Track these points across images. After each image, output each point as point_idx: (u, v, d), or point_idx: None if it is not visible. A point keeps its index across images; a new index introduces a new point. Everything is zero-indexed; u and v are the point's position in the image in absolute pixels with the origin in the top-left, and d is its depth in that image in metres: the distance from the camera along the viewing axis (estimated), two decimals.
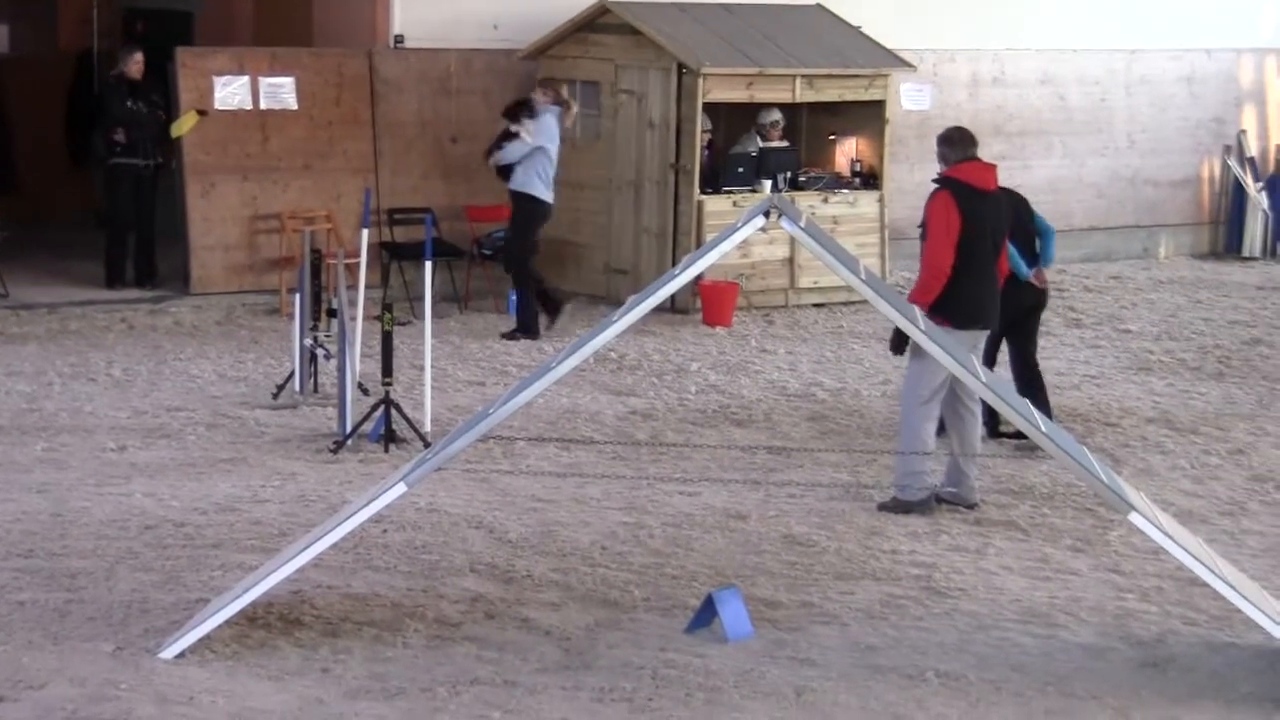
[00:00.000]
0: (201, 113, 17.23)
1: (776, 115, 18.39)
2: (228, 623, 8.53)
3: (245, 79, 17.59)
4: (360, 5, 18.46)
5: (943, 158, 11.53)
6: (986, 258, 11.30)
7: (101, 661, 8.33)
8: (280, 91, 17.68)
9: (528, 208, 16.36)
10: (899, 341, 11.44)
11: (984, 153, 11.84)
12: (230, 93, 17.50)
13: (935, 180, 11.47)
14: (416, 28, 18.30)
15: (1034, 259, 12.67)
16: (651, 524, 10.83)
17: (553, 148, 16.38)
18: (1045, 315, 18.11)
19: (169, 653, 8.38)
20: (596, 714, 7.95)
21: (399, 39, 18.25)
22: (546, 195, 16.38)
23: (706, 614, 8.98)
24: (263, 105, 17.62)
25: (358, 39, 18.41)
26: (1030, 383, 12.71)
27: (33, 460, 11.91)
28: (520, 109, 16.55)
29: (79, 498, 11.03)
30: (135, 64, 17.63)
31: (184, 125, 17.22)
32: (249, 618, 8.78)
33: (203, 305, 17.21)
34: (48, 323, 16.39)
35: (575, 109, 17.07)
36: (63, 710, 7.76)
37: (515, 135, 16.39)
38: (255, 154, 17.67)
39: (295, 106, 17.77)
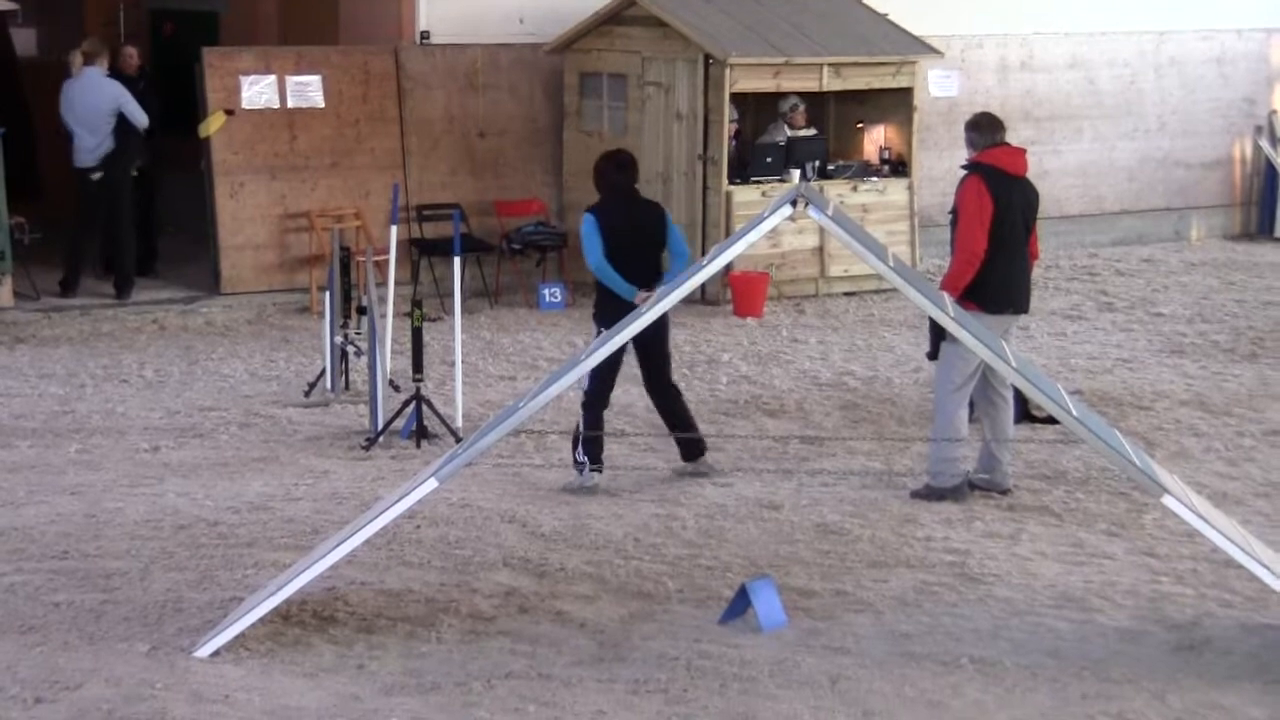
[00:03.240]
0: (229, 112, 17.25)
1: (795, 99, 18.34)
2: (262, 621, 8.55)
3: (272, 78, 17.61)
4: (386, 2, 18.48)
5: (971, 143, 11.50)
6: (1017, 242, 11.28)
7: (137, 661, 8.35)
8: (307, 90, 17.69)
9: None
10: (938, 350, 11.46)
11: (1013, 138, 11.82)
12: (257, 92, 17.52)
13: (965, 166, 11.45)
14: (442, 24, 18.30)
15: (656, 276, 11.42)
16: (684, 515, 10.82)
17: (70, 117, 17.00)
18: (1078, 300, 18.23)
19: (204, 651, 8.40)
20: (631, 706, 7.94)
21: (425, 35, 18.25)
22: (81, 163, 17.09)
23: (740, 604, 8.97)
24: (290, 104, 17.64)
25: (384, 36, 18.43)
26: (672, 409, 11.74)
27: (66, 462, 11.95)
28: None
29: (113, 498, 11.05)
30: (125, 58, 17.99)
31: (211, 125, 17.25)
32: (283, 615, 8.79)
33: (233, 305, 17.24)
34: (79, 325, 16.44)
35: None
36: (99, 710, 7.78)
37: None
38: (283, 153, 17.69)
39: (322, 105, 17.78)
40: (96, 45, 17.54)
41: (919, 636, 8.84)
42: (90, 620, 8.88)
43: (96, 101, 16.91)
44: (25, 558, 9.85)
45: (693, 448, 11.78)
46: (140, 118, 17.01)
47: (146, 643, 8.56)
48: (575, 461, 11.57)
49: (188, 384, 14.28)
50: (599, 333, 11.32)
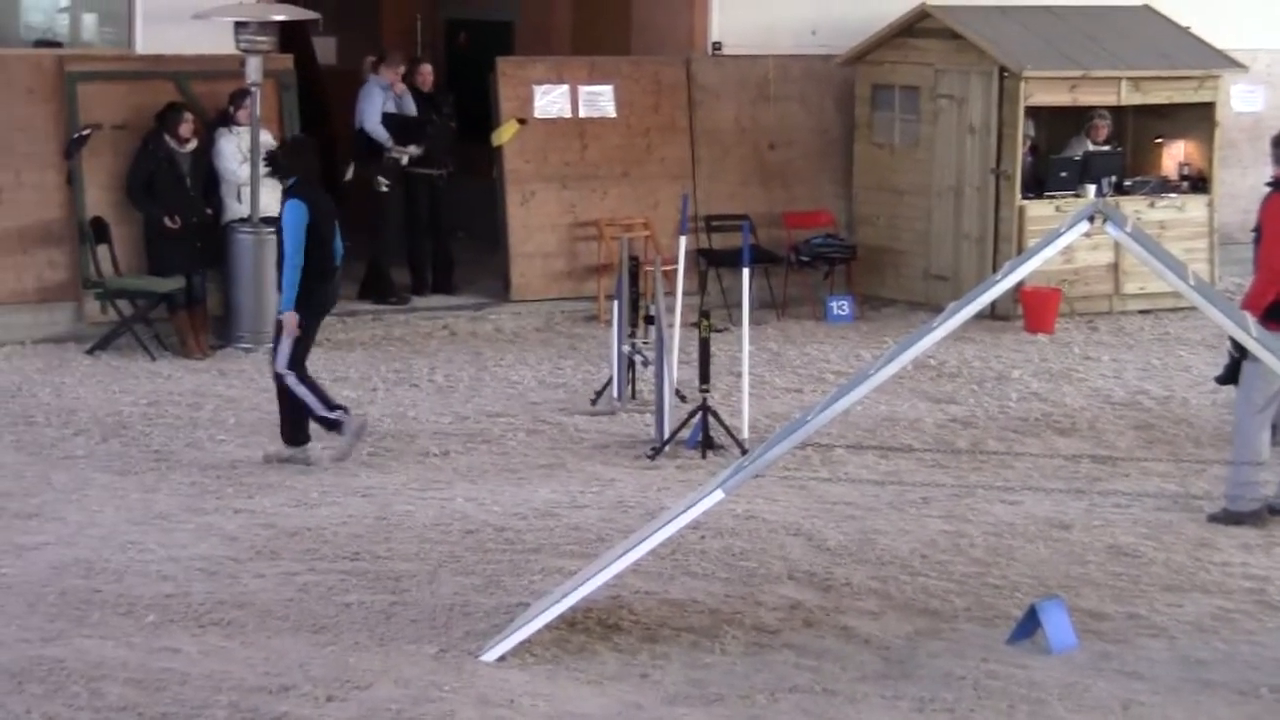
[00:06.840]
0: (521, 121, 17.42)
1: (1103, 112, 18.01)
2: (548, 627, 8.59)
3: (564, 88, 17.75)
4: (678, 13, 18.52)
5: (1277, 160, 11.19)
6: None
7: (425, 663, 8.43)
8: (599, 100, 17.81)
9: None
10: (1229, 375, 11.20)
11: None
12: (550, 101, 17.67)
13: (1269, 184, 11.14)
14: (734, 34, 18.31)
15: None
16: (972, 533, 10.67)
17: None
18: None
19: (490, 656, 8.46)
20: None
21: (717, 46, 18.27)
22: None
23: (1029, 625, 8.82)
24: (581, 113, 17.77)
25: (675, 46, 18.47)
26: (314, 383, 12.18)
27: (358, 464, 12.12)
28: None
29: (403, 501, 11.20)
30: (421, 75, 18.12)
31: (504, 134, 17.44)
32: (568, 622, 8.82)
33: (522, 312, 17.39)
34: (372, 329, 16.71)
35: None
36: (388, 710, 7.87)
37: None
38: (574, 162, 17.81)
39: (614, 114, 17.88)
40: (385, 55, 17.98)
41: (1215, 664, 8.61)
42: (380, 621, 9.00)
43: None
44: (318, 558, 10.02)
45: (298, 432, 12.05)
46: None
47: (435, 645, 8.65)
48: (326, 424, 11.96)
49: (476, 390, 14.44)
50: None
